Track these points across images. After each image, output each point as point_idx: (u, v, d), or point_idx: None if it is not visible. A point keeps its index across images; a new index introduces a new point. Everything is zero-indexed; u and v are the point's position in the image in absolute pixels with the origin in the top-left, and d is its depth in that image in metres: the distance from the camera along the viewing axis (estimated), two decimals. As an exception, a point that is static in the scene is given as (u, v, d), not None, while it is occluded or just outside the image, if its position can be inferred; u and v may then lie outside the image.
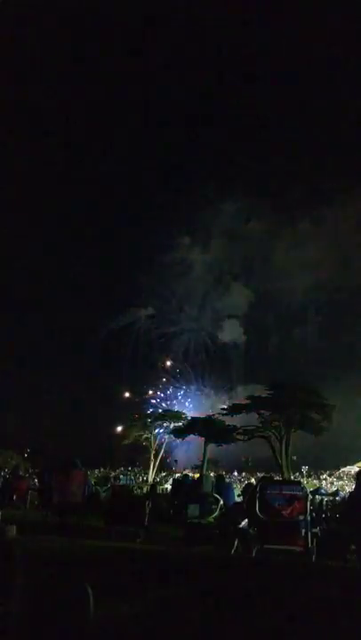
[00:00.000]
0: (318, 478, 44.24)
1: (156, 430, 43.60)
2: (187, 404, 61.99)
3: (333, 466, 47.75)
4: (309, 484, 33.82)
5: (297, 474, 40.02)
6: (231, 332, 69.53)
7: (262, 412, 34.73)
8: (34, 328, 66.63)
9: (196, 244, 71.96)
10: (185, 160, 74.69)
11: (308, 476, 43.93)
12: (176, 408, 47.07)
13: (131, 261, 72.58)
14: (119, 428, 47.93)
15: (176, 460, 50.33)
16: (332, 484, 39.75)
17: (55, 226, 70.51)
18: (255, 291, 70.10)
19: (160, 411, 45.63)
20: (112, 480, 26.28)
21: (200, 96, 72.76)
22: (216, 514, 10.90)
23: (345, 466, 46.33)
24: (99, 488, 19.09)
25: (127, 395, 62.95)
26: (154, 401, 62.73)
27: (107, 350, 68.90)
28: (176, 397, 64.57)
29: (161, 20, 62.01)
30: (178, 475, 36.50)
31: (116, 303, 71.40)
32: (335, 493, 22.45)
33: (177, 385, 66.80)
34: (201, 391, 66.11)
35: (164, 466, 49.53)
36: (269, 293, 69.43)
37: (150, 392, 64.34)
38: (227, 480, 18.21)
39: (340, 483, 40.23)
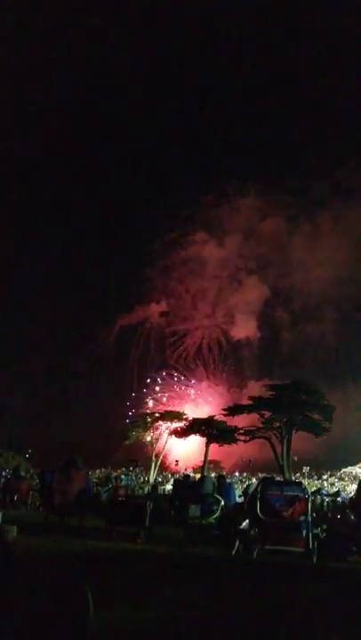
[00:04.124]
0: (320, 479, 44.18)
1: (158, 430, 43.53)
2: (197, 402, 61.60)
3: (335, 467, 47.65)
4: (310, 484, 33.78)
5: (298, 474, 39.96)
6: (245, 329, 69.26)
7: (264, 412, 34.68)
8: (38, 327, 66.78)
9: (212, 241, 71.84)
10: (203, 156, 74.59)
11: (310, 476, 43.87)
12: (185, 407, 46.84)
13: (144, 258, 72.43)
14: (121, 429, 47.86)
15: (177, 461, 50.24)
16: (333, 484, 39.66)
17: (66, 223, 70.91)
18: (271, 287, 69.95)
19: (158, 414, 45.40)
20: (113, 480, 26.24)
21: (217, 92, 72.72)
22: (217, 514, 10.88)
23: (346, 466, 46.25)
24: (100, 488, 19.08)
25: (135, 394, 62.89)
26: (157, 400, 62.66)
27: (117, 347, 68.98)
28: (186, 396, 64.30)
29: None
30: (178, 475, 36.48)
31: (129, 300, 71.29)
32: (336, 494, 22.43)
33: (188, 383, 66.67)
34: (213, 389, 65.91)
35: (166, 466, 49.51)
36: (285, 290, 69.26)
37: (158, 391, 64.26)
38: (228, 480, 18.19)
39: (342, 483, 40.17)
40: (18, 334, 63.38)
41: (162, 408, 52.00)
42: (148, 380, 66.01)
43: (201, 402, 60.80)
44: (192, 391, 65.63)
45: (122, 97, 70.89)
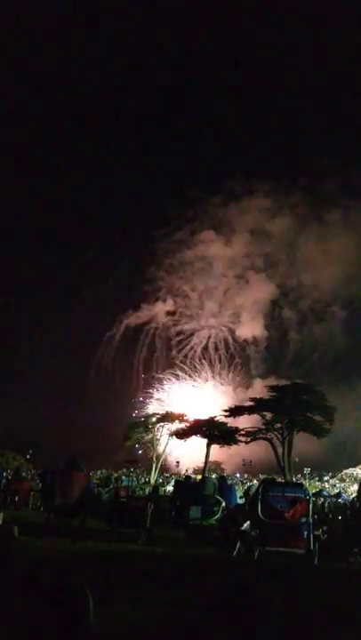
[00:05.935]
0: (321, 480, 44.12)
1: (159, 432, 43.51)
2: (202, 402, 61.37)
3: (336, 468, 47.55)
4: (312, 485, 33.75)
5: (299, 475, 39.91)
6: (252, 328, 69.04)
7: (265, 413, 34.67)
8: (39, 328, 66.81)
9: (219, 240, 71.73)
10: (211, 156, 74.65)
11: (311, 477, 43.80)
12: (189, 407, 46.64)
13: (151, 257, 72.38)
14: (123, 429, 47.81)
15: (178, 462, 50.19)
16: (334, 486, 39.59)
17: (71, 223, 70.96)
18: (279, 286, 69.73)
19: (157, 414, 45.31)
20: (114, 481, 26.23)
21: (226, 90, 72.74)
22: (218, 515, 10.87)
23: (348, 468, 46.18)
24: (101, 489, 19.07)
25: (139, 394, 62.81)
26: (161, 400, 62.58)
27: (122, 347, 68.95)
28: (191, 396, 64.07)
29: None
30: (179, 476, 36.46)
31: (135, 299, 71.19)
32: (338, 495, 22.40)
33: (194, 383, 66.53)
34: (219, 388, 65.75)
35: (167, 467, 49.47)
36: (293, 289, 69.06)
37: (161, 391, 64.17)
38: (229, 482, 18.19)
39: (343, 485, 40.10)
40: (19, 335, 63.50)
41: (165, 409, 51.93)
42: (153, 380, 66.13)
43: (206, 402, 60.66)
44: (197, 391, 65.62)
45: (129, 96, 71.13)
